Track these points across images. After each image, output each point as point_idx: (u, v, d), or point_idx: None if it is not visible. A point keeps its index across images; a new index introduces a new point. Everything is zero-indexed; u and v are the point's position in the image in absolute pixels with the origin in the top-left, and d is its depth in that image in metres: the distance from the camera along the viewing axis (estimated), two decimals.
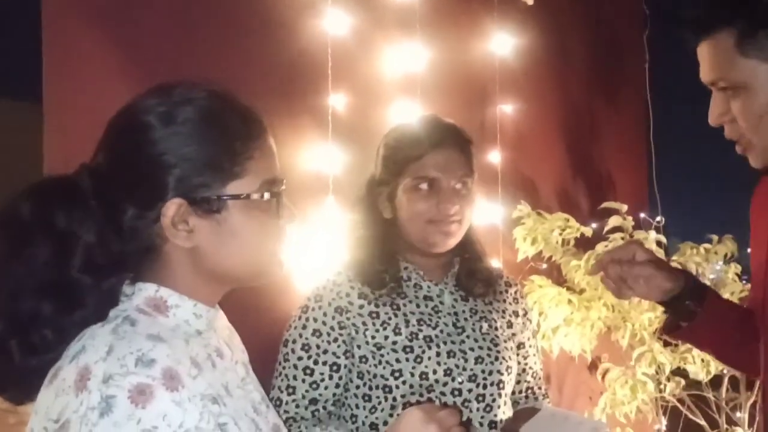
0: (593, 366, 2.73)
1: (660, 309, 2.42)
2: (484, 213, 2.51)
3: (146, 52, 1.78)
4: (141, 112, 0.90)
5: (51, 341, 0.85)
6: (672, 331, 1.39)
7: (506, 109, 2.67)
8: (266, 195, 0.91)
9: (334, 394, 1.47)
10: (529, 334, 1.64)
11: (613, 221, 2.49)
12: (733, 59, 1.08)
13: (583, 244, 2.58)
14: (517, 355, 1.60)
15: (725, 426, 2.50)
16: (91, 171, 0.91)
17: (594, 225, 2.61)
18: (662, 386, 2.46)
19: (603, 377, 2.57)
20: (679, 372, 2.47)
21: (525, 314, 1.64)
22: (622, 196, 2.73)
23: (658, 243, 2.51)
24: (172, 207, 0.87)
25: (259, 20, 1.95)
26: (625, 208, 2.51)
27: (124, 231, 0.89)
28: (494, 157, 2.63)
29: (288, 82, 2.00)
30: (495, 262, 2.55)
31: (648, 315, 2.39)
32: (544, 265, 2.60)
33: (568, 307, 2.44)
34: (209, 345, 0.93)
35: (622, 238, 2.47)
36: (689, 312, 1.32)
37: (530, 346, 1.64)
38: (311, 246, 1.94)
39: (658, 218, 2.62)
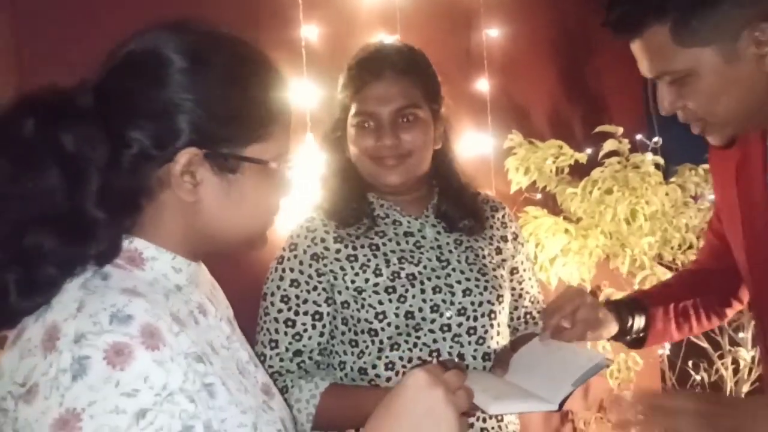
0: (593, 294, 2.67)
1: (659, 233, 2.38)
2: (475, 144, 2.44)
3: None
4: (167, 46, 0.80)
5: (54, 280, 0.76)
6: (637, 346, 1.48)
7: (493, 33, 2.55)
8: (282, 166, 0.86)
9: (319, 344, 1.42)
10: (522, 258, 1.57)
11: (609, 145, 2.40)
12: (672, 52, 1.05)
13: (579, 171, 2.49)
14: (511, 281, 1.54)
15: (728, 347, 2.46)
16: (97, 91, 0.80)
17: (589, 150, 2.51)
18: None
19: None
20: None
21: (515, 238, 1.57)
22: (617, 118, 2.62)
23: (656, 165, 2.41)
24: (187, 156, 0.79)
25: None
26: (620, 130, 2.41)
27: (122, 168, 0.79)
28: (482, 85, 2.52)
29: (256, 14, 1.88)
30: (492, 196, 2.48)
31: (647, 239, 2.32)
32: (539, 195, 2.51)
33: (565, 236, 2.37)
34: (191, 301, 0.86)
35: (619, 162, 2.38)
36: (638, 336, 1.42)
37: (524, 270, 1.57)
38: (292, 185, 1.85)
39: (655, 139, 2.51)
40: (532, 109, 2.76)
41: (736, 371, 2.48)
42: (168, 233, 0.83)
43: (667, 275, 2.30)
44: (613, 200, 2.31)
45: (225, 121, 0.81)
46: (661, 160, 2.44)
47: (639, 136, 2.55)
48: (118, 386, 0.70)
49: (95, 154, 0.77)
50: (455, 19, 2.49)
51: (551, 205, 2.52)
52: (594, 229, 2.38)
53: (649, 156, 2.41)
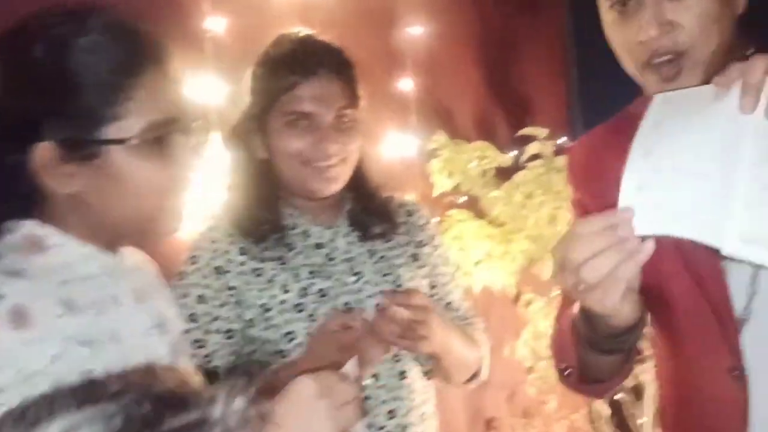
0: (517, 299, 2.64)
1: None
2: (398, 145, 2.36)
3: None
4: (20, 42, 0.83)
5: None
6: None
7: (417, 31, 2.47)
8: (150, 138, 0.83)
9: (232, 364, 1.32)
10: (437, 261, 1.48)
11: (533, 148, 2.35)
12: None
13: (504, 174, 2.44)
14: (428, 287, 1.46)
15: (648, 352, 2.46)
16: None
17: (514, 153, 2.47)
18: None
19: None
20: None
21: (432, 240, 1.48)
22: (542, 120, 2.59)
23: None
24: (42, 151, 0.81)
25: None
26: (545, 132, 2.37)
27: (6, 168, 0.83)
28: (406, 84, 2.44)
29: (156, 2, 1.74)
30: (411, 198, 2.41)
31: None
32: (463, 199, 2.45)
33: (489, 241, 2.31)
34: (103, 289, 0.87)
35: (543, 165, 2.34)
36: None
37: (440, 274, 1.48)
38: (196, 189, 1.73)
39: None
40: (457, 110, 2.71)
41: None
42: (75, 223, 0.85)
43: None
44: (536, 204, 2.27)
45: (74, 111, 0.81)
46: None
47: (563, 139, 2.52)
48: None
49: None
50: (376, 15, 2.41)
51: (476, 208, 2.47)
52: (518, 233, 2.33)
53: None
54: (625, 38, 1.00)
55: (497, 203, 2.34)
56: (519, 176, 2.33)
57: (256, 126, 1.33)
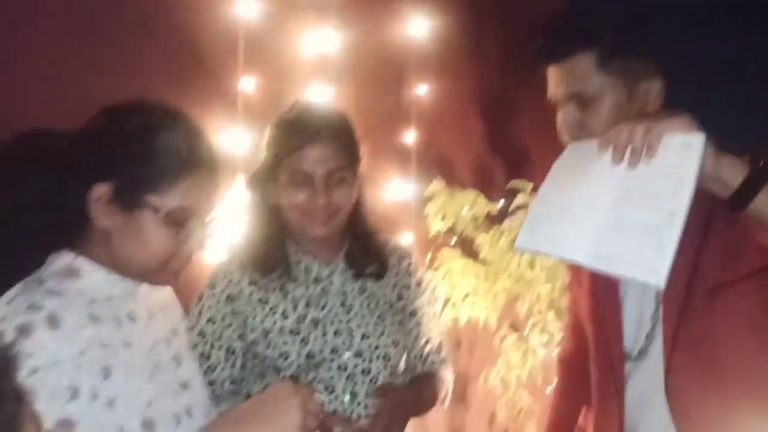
0: (497, 331, 2.88)
1: (559, 281, 2.58)
2: (399, 190, 2.64)
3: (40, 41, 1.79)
4: (121, 115, 1.09)
5: None
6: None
7: (422, 90, 2.74)
8: (175, 216, 1.06)
9: (230, 375, 1.52)
10: (422, 302, 1.67)
11: (519, 199, 2.60)
12: (594, 75, 1.26)
13: (495, 220, 2.69)
14: (410, 323, 1.66)
15: None
16: (72, 140, 1.07)
17: (503, 201, 2.72)
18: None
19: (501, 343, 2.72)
20: None
21: (419, 285, 1.67)
22: (531, 173, 2.84)
23: None
24: (102, 187, 1.05)
25: (163, 4, 1.99)
26: (529, 186, 2.63)
27: (67, 201, 1.05)
28: (409, 137, 2.72)
29: (197, 66, 2.05)
30: (408, 236, 2.68)
31: (546, 286, 2.54)
32: (454, 239, 2.70)
33: (476, 278, 2.56)
34: (122, 308, 1.08)
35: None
36: None
37: (424, 314, 1.67)
38: (223, 226, 2.00)
39: None
40: (455, 161, 2.96)
41: None
42: (102, 255, 1.07)
43: (552, 323, 2.51)
44: None
45: (134, 170, 1.05)
46: None
47: None
48: (20, 350, 0.91)
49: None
50: (388, 75, 2.67)
51: (467, 248, 2.71)
52: (502, 273, 2.59)
53: None
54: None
55: (484, 246, 2.60)
56: (506, 223, 2.59)
57: (269, 176, 1.54)
